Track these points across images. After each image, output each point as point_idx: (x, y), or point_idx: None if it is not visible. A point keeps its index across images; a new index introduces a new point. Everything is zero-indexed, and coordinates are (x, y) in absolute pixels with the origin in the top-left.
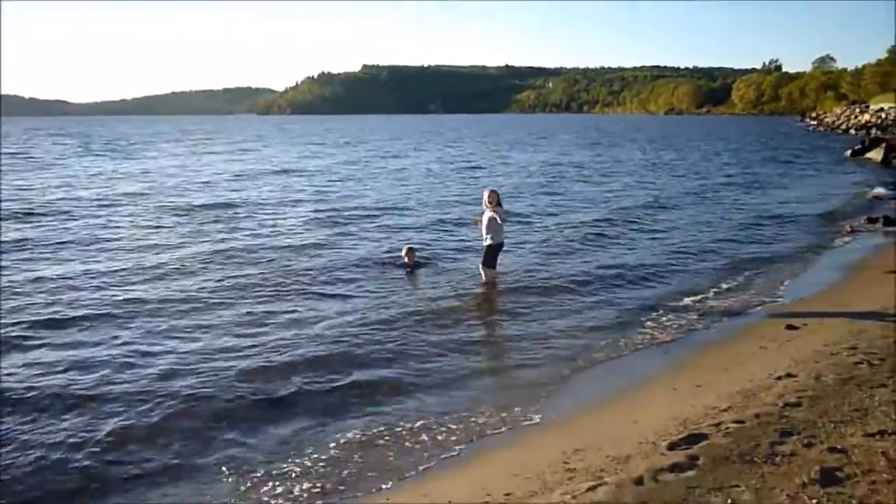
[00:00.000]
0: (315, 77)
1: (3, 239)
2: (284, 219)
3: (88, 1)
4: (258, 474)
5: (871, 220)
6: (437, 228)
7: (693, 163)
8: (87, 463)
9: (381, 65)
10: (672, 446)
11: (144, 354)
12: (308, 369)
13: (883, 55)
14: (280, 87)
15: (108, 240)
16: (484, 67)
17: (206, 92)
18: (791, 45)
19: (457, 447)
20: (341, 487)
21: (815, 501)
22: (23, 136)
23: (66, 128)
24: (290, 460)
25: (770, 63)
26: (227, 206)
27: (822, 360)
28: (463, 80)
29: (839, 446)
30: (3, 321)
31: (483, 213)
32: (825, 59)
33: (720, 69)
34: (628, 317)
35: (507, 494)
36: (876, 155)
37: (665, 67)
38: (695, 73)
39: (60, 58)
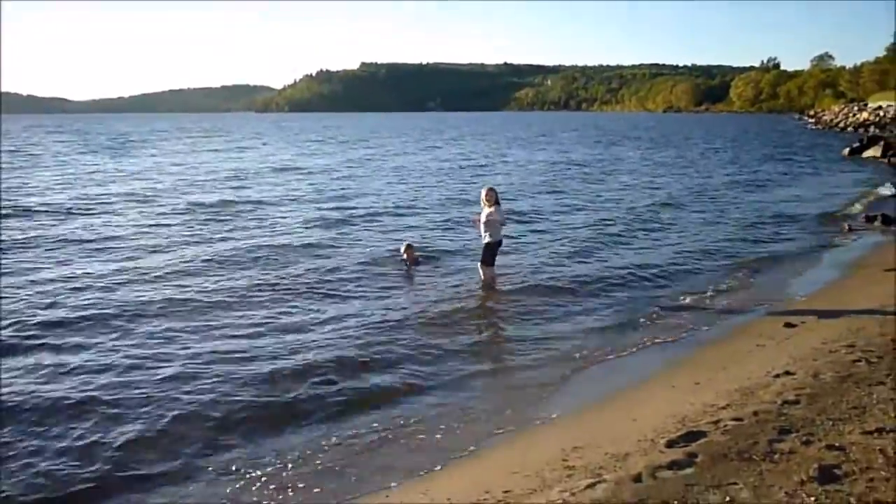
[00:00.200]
0: (314, 75)
1: (3, 238)
2: (284, 218)
3: (88, 0)
4: (262, 477)
5: (870, 219)
6: (438, 227)
7: (692, 161)
8: (90, 468)
9: (379, 63)
10: (670, 444)
11: (148, 358)
12: (310, 373)
13: (881, 53)
14: (278, 85)
15: (109, 238)
16: (483, 65)
17: (205, 89)
18: (789, 43)
19: (457, 447)
20: (343, 487)
21: (813, 499)
22: (22, 134)
23: (65, 125)
24: (293, 462)
25: (768, 61)
26: (227, 204)
27: (820, 358)
28: (462, 78)
29: (837, 444)
30: (3, 321)
31: (481, 212)
32: (824, 57)
33: (718, 67)
34: (628, 316)
35: (506, 492)
36: (874, 153)
37: (663, 65)
38: (693, 70)
39: (59, 56)
